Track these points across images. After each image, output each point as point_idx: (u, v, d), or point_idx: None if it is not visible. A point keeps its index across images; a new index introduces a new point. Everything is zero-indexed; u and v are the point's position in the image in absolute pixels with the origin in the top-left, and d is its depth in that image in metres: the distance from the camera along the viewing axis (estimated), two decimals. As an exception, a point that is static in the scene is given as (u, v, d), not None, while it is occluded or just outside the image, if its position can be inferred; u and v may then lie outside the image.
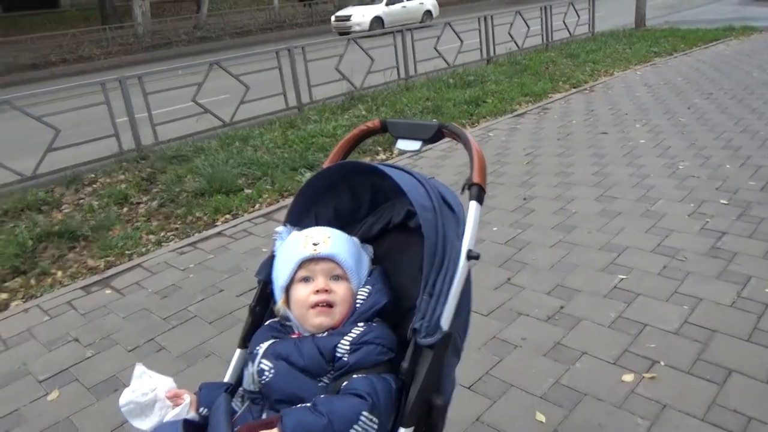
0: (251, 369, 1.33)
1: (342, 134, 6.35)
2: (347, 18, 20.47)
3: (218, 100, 7.41)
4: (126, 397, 1.34)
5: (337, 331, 1.32)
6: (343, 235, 1.45)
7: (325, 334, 1.33)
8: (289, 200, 4.76)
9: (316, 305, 1.34)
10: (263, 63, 7.98)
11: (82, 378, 2.76)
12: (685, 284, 3.02)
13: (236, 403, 1.40)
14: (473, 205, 1.39)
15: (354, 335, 1.28)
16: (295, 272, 1.38)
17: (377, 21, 20.22)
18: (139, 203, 5.11)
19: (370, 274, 1.43)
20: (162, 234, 4.43)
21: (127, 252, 4.13)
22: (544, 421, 2.20)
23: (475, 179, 1.41)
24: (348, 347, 1.26)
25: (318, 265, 1.37)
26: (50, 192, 5.44)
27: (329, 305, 1.35)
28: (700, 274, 3.10)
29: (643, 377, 2.38)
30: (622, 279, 3.13)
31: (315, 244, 1.39)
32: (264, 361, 1.31)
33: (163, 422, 1.33)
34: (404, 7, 21.59)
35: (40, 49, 20.05)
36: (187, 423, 1.31)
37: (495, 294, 3.08)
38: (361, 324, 1.32)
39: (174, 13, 26.44)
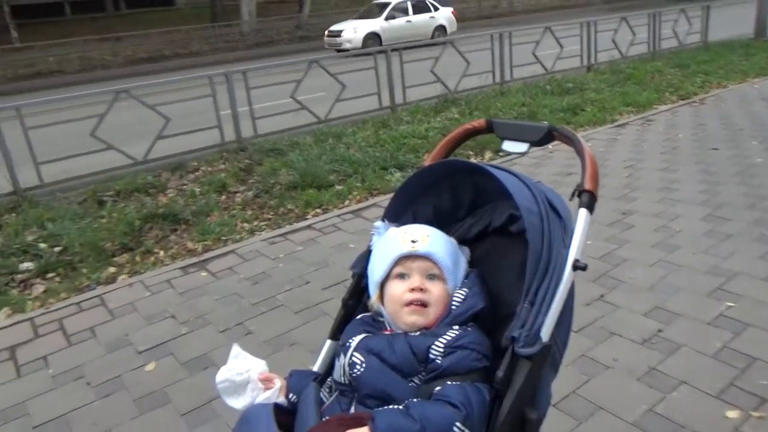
0: (342, 361, 1.34)
1: (434, 136, 6.35)
2: (338, 33, 17.77)
3: (315, 98, 7.61)
4: (222, 374, 1.38)
5: (431, 332, 1.30)
6: (442, 235, 1.42)
7: (418, 333, 1.31)
8: (378, 199, 4.85)
9: (410, 303, 1.33)
10: (360, 63, 8.12)
11: (176, 353, 2.91)
12: (805, 319, 2.74)
13: (324, 393, 1.41)
14: (583, 212, 1.33)
15: (448, 338, 1.25)
16: (392, 268, 1.37)
17: (372, 37, 17.43)
18: (236, 192, 5.34)
19: (466, 277, 1.40)
20: (255, 223, 4.61)
21: (223, 238, 4.33)
22: (635, 449, 2.08)
23: (587, 186, 1.34)
24: (442, 350, 1.23)
25: (415, 263, 1.35)
26: (157, 177, 5.82)
27: (423, 304, 1.33)
28: (823, 308, 2.81)
29: (751, 415, 2.18)
30: (730, 307, 2.89)
31: (413, 242, 1.37)
32: (356, 354, 1.31)
33: (255, 403, 1.36)
34: (409, 21, 18.43)
35: (155, 43, 21.54)
36: (276, 407, 1.33)
37: (586, 310, 2.95)
38: (456, 327, 1.29)
39: (278, 13, 27.52)
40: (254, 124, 6.91)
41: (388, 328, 1.38)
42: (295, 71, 7.63)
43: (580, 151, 1.40)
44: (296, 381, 1.44)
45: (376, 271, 1.41)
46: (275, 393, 1.39)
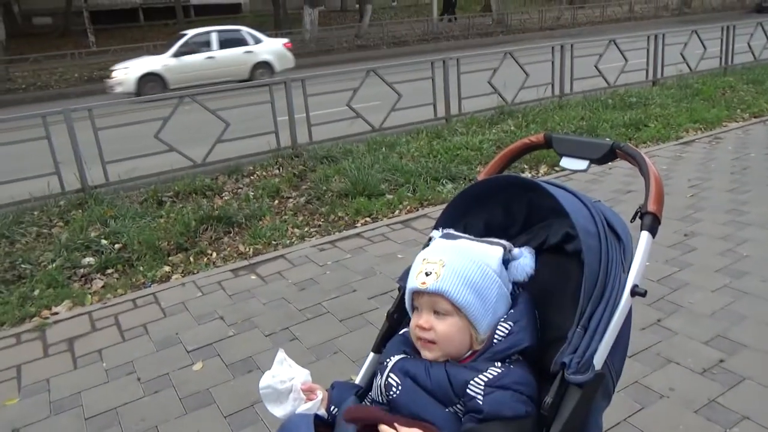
0: (379, 380, 1.31)
1: (488, 148, 6.26)
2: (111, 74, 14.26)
3: (370, 106, 7.65)
4: (266, 380, 1.38)
5: (471, 365, 1.23)
6: (463, 260, 1.26)
7: (447, 361, 1.26)
8: (429, 210, 4.82)
9: (419, 340, 1.28)
10: (417, 72, 8.12)
11: (223, 354, 2.96)
12: None
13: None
14: (644, 235, 1.26)
15: (490, 376, 1.17)
16: (411, 301, 1.32)
17: (153, 79, 13.68)
18: (288, 198, 5.42)
19: (515, 302, 1.30)
20: (306, 229, 4.65)
21: (273, 242, 4.39)
22: (691, 487, 1.95)
23: (651, 207, 1.27)
24: (482, 389, 1.16)
25: (423, 298, 1.27)
26: (215, 179, 5.98)
27: (431, 341, 1.26)
28: None
29: (822, 460, 2.02)
30: (802, 340, 2.70)
31: (427, 274, 1.26)
32: (392, 375, 1.28)
33: (296, 413, 1.35)
34: (211, 58, 14.46)
35: (220, 50, 22.25)
36: (316, 418, 1.32)
37: (642, 335, 2.81)
38: (499, 364, 1.21)
39: (339, 22, 27.97)
40: (310, 131, 7.00)
41: None
42: (352, 79, 7.70)
43: (644, 171, 1.33)
44: (338, 393, 1.42)
45: (406, 298, 1.36)
46: (317, 404, 1.37)
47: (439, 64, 7.91)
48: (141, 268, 4.05)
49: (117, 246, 4.38)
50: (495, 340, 1.25)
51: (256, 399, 2.49)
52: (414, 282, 1.27)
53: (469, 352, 1.27)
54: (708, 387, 2.43)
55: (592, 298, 1.18)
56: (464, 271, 1.24)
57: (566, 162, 1.51)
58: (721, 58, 10.69)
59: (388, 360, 1.32)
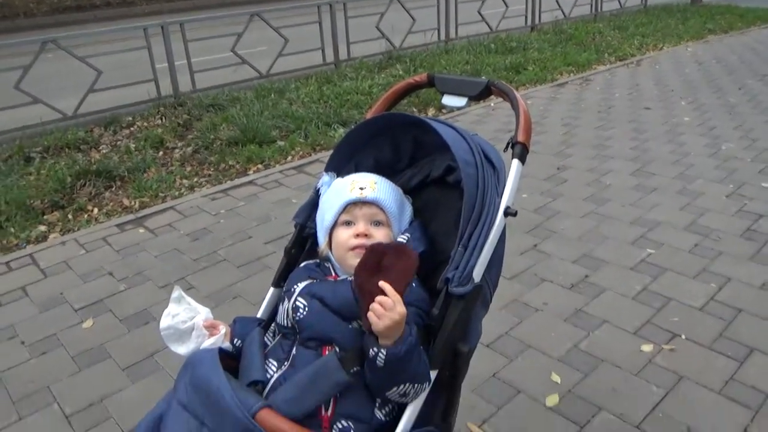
0: (286, 305, 1.37)
1: (378, 93, 6.33)
2: None
3: (256, 52, 7.38)
4: (166, 321, 1.39)
5: None
6: (388, 182, 1.46)
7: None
8: (321, 154, 4.84)
9: (354, 248, 1.36)
10: (304, 17, 7.91)
11: (115, 309, 2.87)
12: (716, 263, 2.98)
13: (268, 338, 1.45)
14: (515, 163, 1.39)
15: None
16: (339, 215, 1.40)
17: None
18: (174, 148, 5.19)
19: (410, 224, 1.45)
20: (195, 179, 4.51)
21: (161, 194, 4.23)
22: (559, 381, 2.24)
23: (520, 138, 1.40)
24: None
25: (361, 210, 1.38)
26: (89, 132, 5.56)
27: None
28: (732, 254, 3.05)
29: (663, 348, 2.39)
30: (651, 253, 3.10)
31: (361, 189, 1.40)
32: (299, 299, 1.34)
33: (200, 349, 1.38)
34: None
35: (83, -10, 20.10)
36: (221, 351, 1.36)
37: (520, 259, 3.09)
38: None
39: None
40: (192, 79, 6.66)
41: (333, 274, 1.42)
42: (235, 24, 7.36)
43: (515, 105, 1.45)
44: (241, 327, 1.47)
45: (325, 217, 1.43)
46: (220, 339, 1.41)
47: (325, 8, 7.75)
48: (12, 230, 3.74)
49: (-19, 208, 4.00)
50: None
51: (155, 349, 2.47)
52: (349, 195, 1.40)
53: None
54: (575, 299, 2.75)
55: (471, 220, 1.30)
56: (392, 188, 1.44)
57: (447, 99, 1.60)
58: (592, 5, 11.37)
59: (295, 286, 1.38)
